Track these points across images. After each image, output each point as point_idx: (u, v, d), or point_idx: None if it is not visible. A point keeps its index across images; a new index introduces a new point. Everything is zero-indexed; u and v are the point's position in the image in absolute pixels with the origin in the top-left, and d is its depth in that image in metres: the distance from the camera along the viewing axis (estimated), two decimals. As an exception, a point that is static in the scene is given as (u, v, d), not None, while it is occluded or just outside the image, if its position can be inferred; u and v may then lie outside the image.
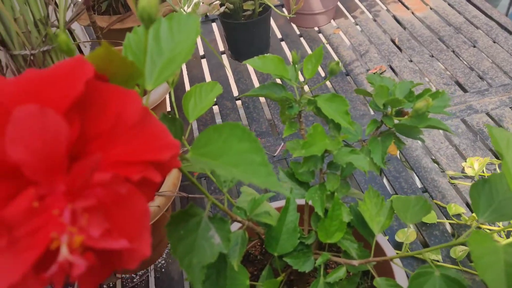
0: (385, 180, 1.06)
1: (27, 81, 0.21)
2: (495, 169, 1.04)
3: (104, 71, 0.27)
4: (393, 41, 1.49)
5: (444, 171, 1.05)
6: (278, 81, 1.15)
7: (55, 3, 0.77)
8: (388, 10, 1.66)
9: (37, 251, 0.19)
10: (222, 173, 0.30)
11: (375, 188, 0.88)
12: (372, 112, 1.22)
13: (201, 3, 1.03)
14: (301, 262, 0.51)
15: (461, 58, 1.38)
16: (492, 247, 0.31)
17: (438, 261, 0.81)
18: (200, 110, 0.50)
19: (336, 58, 1.44)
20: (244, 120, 1.28)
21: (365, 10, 1.68)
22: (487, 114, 1.18)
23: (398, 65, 1.39)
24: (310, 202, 0.53)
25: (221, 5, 1.24)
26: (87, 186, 0.20)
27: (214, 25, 1.70)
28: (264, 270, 0.56)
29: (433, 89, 1.13)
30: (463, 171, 1.03)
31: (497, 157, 1.06)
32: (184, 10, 1.06)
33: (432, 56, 1.41)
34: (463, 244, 0.85)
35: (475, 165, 0.99)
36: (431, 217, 0.90)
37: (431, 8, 1.63)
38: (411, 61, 1.40)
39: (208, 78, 1.44)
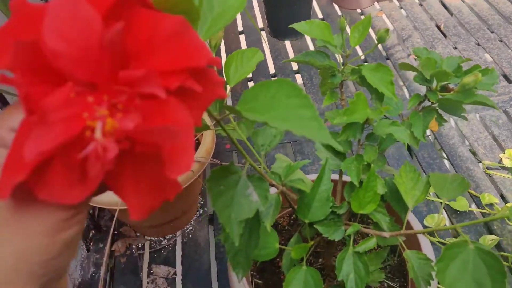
0: (418, 166, 1.04)
1: None
2: (535, 163, 1.01)
3: (160, 5, 0.28)
4: (438, 27, 1.45)
5: (480, 161, 1.02)
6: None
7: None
8: (434, -5, 1.60)
9: (70, 132, 0.19)
10: (273, 126, 0.30)
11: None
12: (408, 97, 1.20)
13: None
14: (331, 230, 0.51)
15: (508, 48, 1.33)
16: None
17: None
18: (240, 76, 0.50)
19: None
20: (279, 97, 1.28)
21: (411, -6, 1.63)
22: (532, 107, 1.14)
23: (442, 52, 1.35)
24: (344, 174, 0.54)
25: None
26: (125, 89, 0.21)
27: (254, 1, 1.69)
28: (293, 237, 0.57)
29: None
30: (500, 162, 1.00)
31: (538, 151, 1.02)
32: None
33: (478, 45, 1.36)
34: (494, 234, 0.84)
35: (514, 157, 0.97)
36: (463, 205, 0.89)
37: (480, -5, 1.56)
38: (455, 48, 1.36)
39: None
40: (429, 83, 0.48)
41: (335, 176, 0.62)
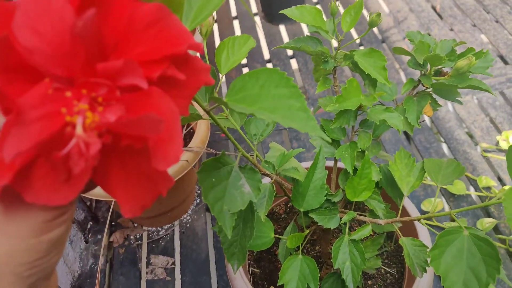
0: (415, 151, 1.04)
1: None
2: (532, 145, 1.01)
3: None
4: (434, 8, 1.43)
5: (477, 144, 1.02)
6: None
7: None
8: (430, -24, 1.58)
9: (49, 130, 0.19)
10: (260, 117, 0.30)
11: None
12: (404, 81, 1.19)
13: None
14: (326, 219, 0.51)
15: (504, 29, 1.31)
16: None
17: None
18: (232, 63, 0.49)
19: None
20: (274, 84, 1.27)
21: (406, -25, 1.60)
22: (529, 87, 1.13)
23: (438, 33, 1.33)
24: (339, 161, 0.53)
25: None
26: (104, 81, 0.20)
27: (247, -14, 1.67)
28: (288, 226, 0.56)
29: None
30: (497, 144, 1.00)
31: (535, 133, 1.02)
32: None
33: (475, 26, 1.34)
34: (492, 217, 0.84)
35: (511, 138, 0.96)
36: (460, 188, 0.89)
37: (477, -25, 1.54)
38: (451, 30, 1.35)
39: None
40: (422, 68, 0.47)
41: (330, 163, 0.61)
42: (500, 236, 0.82)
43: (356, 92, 0.44)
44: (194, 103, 0.55)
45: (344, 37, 0.48)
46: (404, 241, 0.46)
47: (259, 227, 0.52)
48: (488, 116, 1.08)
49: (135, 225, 1.02)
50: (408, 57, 0.49)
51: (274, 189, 0.48)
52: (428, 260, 0.45)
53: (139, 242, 0.98)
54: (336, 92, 0.52)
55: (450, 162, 0.48)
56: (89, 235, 1.00)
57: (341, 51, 0.49)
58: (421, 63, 0.45)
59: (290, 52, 1.36)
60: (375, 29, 1.39)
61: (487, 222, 0.81)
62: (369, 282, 0.63)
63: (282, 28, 1.46)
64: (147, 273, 0.92)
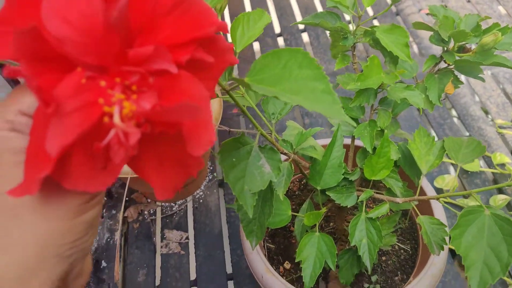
0: (428, 126, 1.03)
1: None
2: (548, 121, 0.99)
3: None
4: (449, -21, 1.38)
5: (492, 120, 1.00)
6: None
7: None
8: None
9: (89, 121, 0.19)
10: (282, 100, 0.29)
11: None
12: (418, 55, 1.16)
13: None
14: (343, 197, 0.51)
15: (524, 0, 1.28)
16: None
17: (477, 209, 0.80)
18: (247, 39, 0.48)
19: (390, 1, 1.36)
20: (285, 59, 1.25)
21: None
22: (547, 62, 1.11)
23: (454, 5, 1.29)
24: (357, 141, 0.53)
25: None
26: (137, 69, 0.20)
27: (257, -43, 1.62)
28: (304, 203, 0.57)
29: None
30: (513, 120, 0.98)
31: (552, 108, 1.00)
32: None
33: (492, -3, 1.31)
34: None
35: (528, 114, 0.95)
36: (474, 165, 0.88)
37: None
38: (468, 1, 1.31)
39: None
40: (445, 44, 0.46)
41: (346, 141, 0.61)
42: (513, 212, 0.82)
43: (377, 70, 0.43)
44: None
45: (364, 13, 0.46)
46: (422, 219, 0.46)
47: (277, 205, 0.53)
48: (504, 91, 1.06)
49: (149, 200, 1.03)
50: (424, 31, 0.48)
51: (293, 167, 0.48)
52: (446, 238, 0.45)
53: (153, 217, 0.99)
54: (355, 69, 0.51)
55: (471, 141, 0.47)
56: (104, 211, 1.02)
57: (361, 27, 0.48)
58: (445, 39, 0.44)
59: (301, 25, 1.33)
60: (388, 1, 1.36)
61: (500, 199, 0.80)
62: (383, 258, 0.64)
63: (292, 0, 1.42)
64: (161, 247, 0.94)
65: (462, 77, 1.09)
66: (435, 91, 0.46)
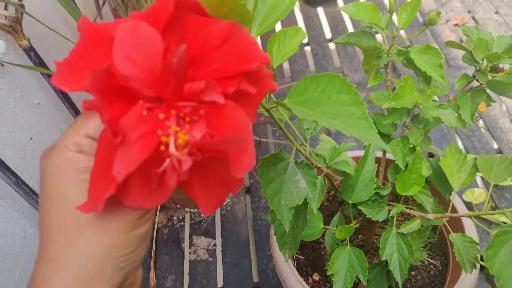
0: (457, 139, 1.02)
1: (131, 17, 0.23)
2: None
3: (215, 12, 0.28)
4: (479, -10, 1.37)
5: (523, 133, 0.99)
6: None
7: None
8: (476, -46, 1.51)
9: (149, 149, 0.21)
10: (321, 124, 0.31)
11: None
12: (446, 68, 1.16)
13: None
14: (375, 211, 0.52)
15: (556, 11, 1.26)
16: None
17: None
18: (283, 56, 0.50)
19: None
20: (312, 67, 1.27)
21: (450, -46, 1.54)
22: None
23: (482, 16, 1.29)
24: (388, 155, 0.54)
25: None
26: (189, 100, 0.22)
27: (285, -33, 1.65)
28: (335, 215, 0.58)
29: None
30: (545, 134, 0.97)
31: None
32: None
33: (523, 8, 1.29)
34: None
35: (560, 128, 0.93)
36: (504, 179, 0.88)
37: (527, -48, 1.46)
38: (497, 12, 1.30)
39: (277, 24, 1.42)
40: (478, 64, 0.47)
41: (377, 154, 0.62)
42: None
43: (411, 89, 0.44)
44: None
45: (398, 33, 0.48)
46: (454, 237, 0.47)
47: (310, 218, 0.54)
48: (535, 104, 1.05)
49: (178, 206, 1.06)
50: (451, 46, 0.49)
51: (326, 182, 0.49)
52: (479, 256, 0.45)
53: (182, 223, 1.02)
54: (387, 86, 0.52)
55: (503, 159, 0.48)
56: (134, 216, 1.05)
57: (395, 46, 0.49)
58: (479, 61, 0.45)
59: (328, 35, 1.34)
60: (419, 18, 1.35)
61: (531, 214, 0.80)
62: (412, 272, 0.64)
63: (320, 10, 1.44)
64: (190, 253, 0.96)
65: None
66: (468, 110, 0.47)
